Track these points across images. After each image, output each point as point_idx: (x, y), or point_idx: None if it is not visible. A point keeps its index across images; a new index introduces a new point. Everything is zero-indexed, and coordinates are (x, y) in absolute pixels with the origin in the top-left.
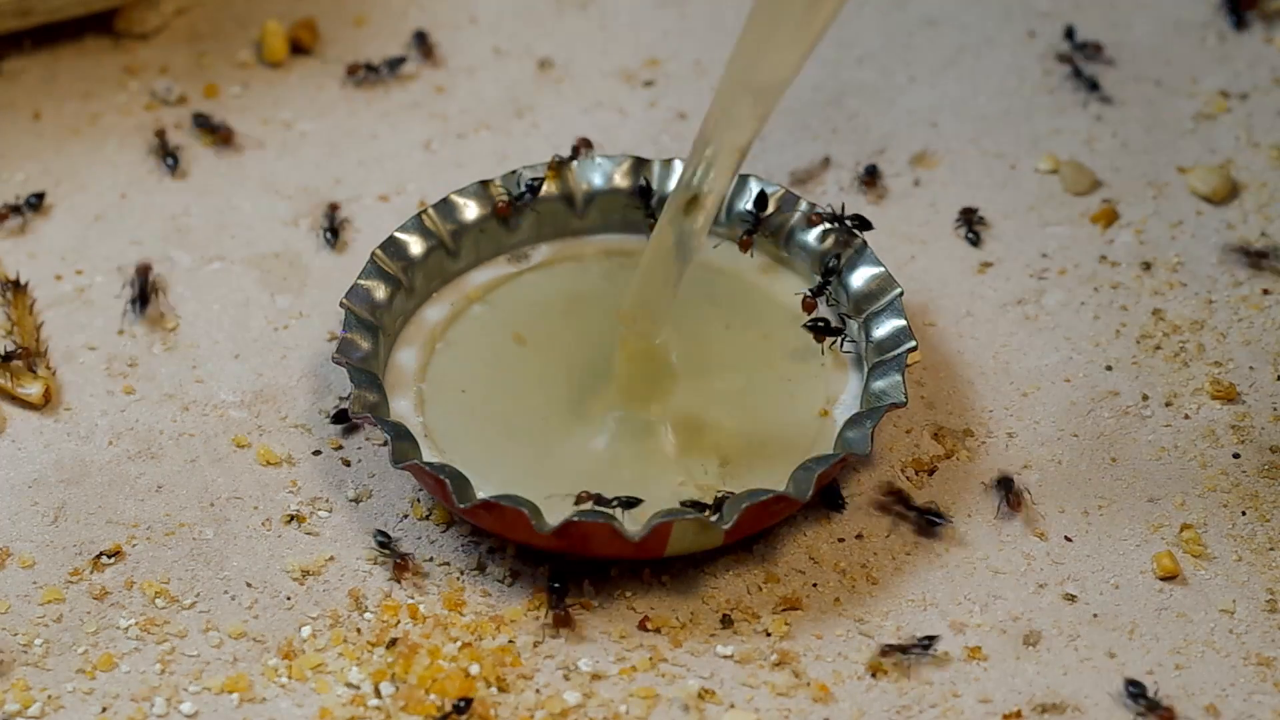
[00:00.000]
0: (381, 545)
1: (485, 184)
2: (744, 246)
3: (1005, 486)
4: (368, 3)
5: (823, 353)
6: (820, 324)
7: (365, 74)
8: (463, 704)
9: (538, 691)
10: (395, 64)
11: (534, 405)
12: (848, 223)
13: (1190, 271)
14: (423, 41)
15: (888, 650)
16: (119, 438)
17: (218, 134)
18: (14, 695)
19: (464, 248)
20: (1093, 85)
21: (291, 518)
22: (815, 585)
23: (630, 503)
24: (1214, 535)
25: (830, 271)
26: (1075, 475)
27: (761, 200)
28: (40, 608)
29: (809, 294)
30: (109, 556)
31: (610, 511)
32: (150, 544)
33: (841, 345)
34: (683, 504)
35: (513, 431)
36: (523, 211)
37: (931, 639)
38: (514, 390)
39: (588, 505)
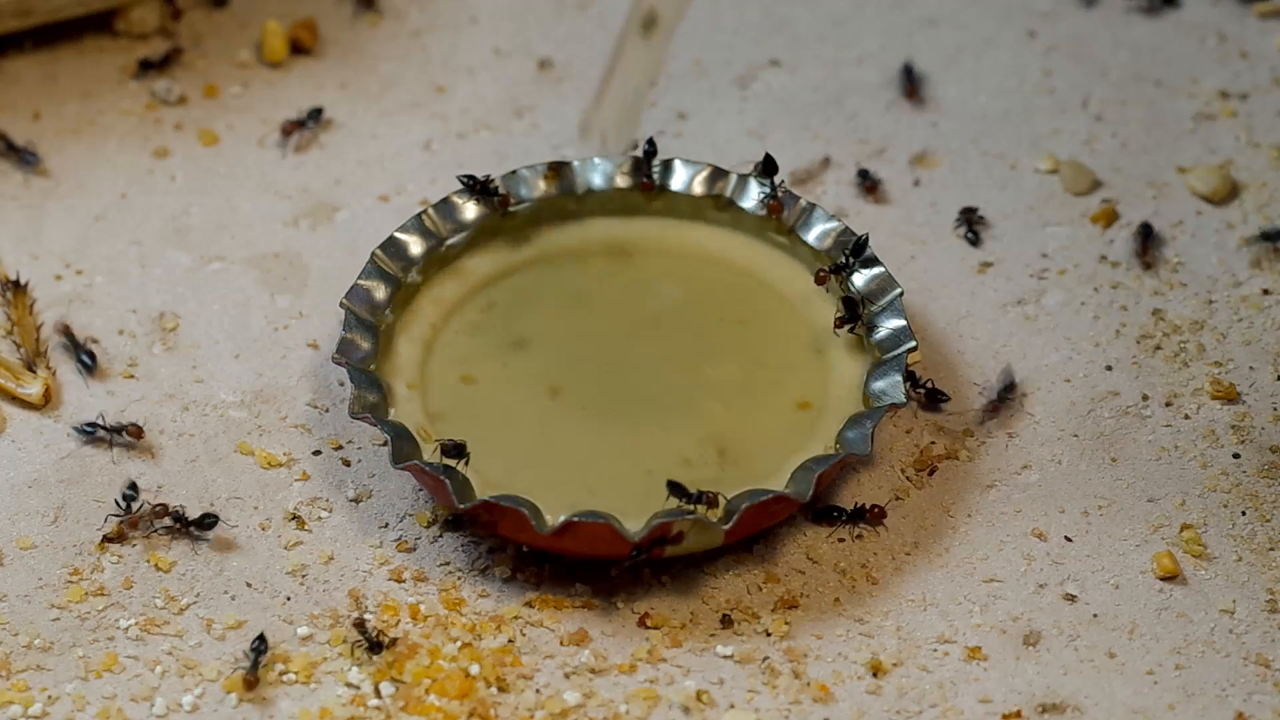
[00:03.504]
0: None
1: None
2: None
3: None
4: (368, 3)
5: (836, 332)
6: (849, 312)
7: (297, 131)
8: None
9: (538, 691)
10: (315, 114)
11: (535, 396)
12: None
13: (1190, 271)
14: (317, 116)
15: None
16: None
17: None
18: (14, 695)
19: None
20: None
21: (292, 518)
22: (815, 585)
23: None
24: (1214, 535)
25: (858, 249)
26: (1075, 475)
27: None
28: (40, 608)
29: (824, 270)
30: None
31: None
32: (150, 544)
33: (852, 330)
34: (669, 484)
35: (514, 422)
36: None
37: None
38: (515, 381)
39: (441, 459)
